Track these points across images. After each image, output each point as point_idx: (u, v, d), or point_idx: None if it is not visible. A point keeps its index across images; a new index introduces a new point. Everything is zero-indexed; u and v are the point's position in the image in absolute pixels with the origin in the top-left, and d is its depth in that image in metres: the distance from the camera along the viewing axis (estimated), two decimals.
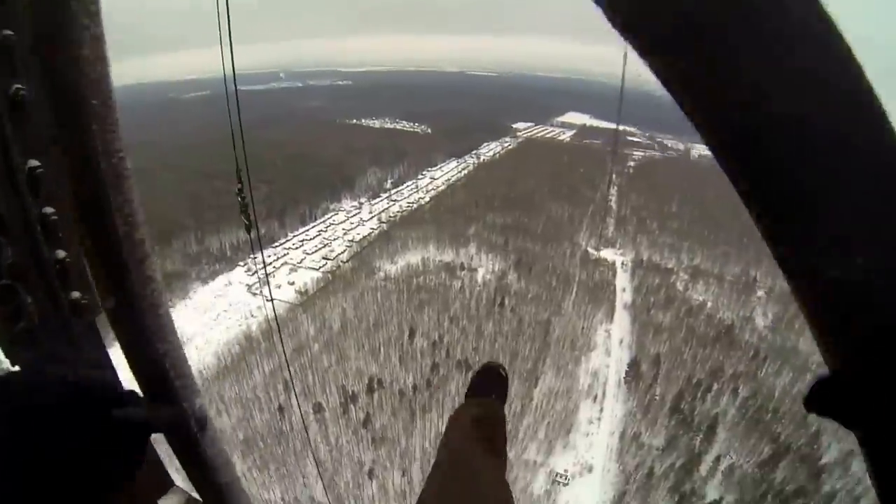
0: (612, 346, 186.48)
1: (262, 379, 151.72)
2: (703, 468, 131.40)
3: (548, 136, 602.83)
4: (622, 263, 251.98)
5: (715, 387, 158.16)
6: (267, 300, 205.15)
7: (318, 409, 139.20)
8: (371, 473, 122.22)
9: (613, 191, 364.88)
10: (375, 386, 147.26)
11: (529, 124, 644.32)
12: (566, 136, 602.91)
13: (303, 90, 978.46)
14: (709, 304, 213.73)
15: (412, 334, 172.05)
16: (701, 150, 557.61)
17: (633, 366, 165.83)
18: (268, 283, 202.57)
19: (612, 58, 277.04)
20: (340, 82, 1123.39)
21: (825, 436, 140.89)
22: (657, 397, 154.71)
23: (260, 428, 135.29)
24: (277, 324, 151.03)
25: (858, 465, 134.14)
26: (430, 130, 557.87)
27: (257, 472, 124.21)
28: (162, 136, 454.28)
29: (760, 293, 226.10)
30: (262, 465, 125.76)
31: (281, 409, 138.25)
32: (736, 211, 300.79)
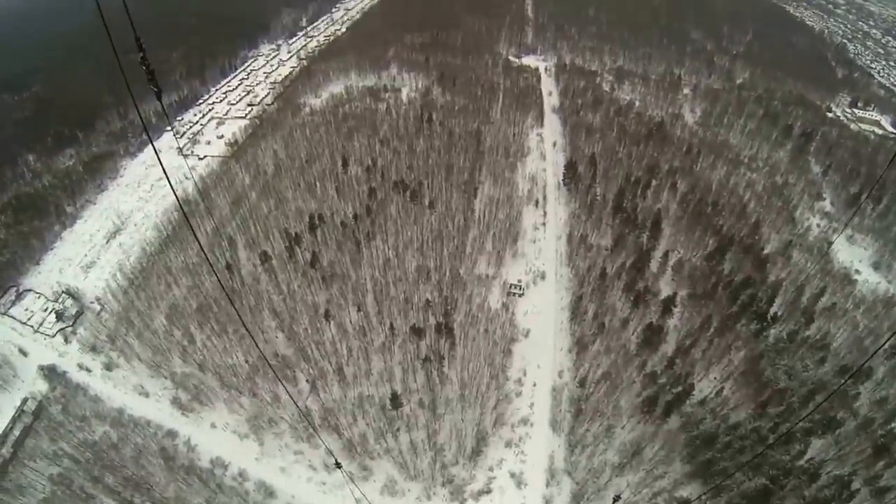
0: (545, 149, 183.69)
1: (206, 240, 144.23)
2: (654, 265, 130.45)
3: None
4: (545, 69, 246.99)
5: (654, 183, 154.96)
6: (199, 158, 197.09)
7: (264, 258, 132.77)
8: (327, 315, 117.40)
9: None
10: (317, 222, 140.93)
11: None
12: None
13: None
14: (637, 103, 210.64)
15: (345, 163, 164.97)
16: None
17: (570, 167, 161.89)
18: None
19: None
20: None
21: (765, 227, 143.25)
22: (598, 197, 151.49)
23: (212, 292, 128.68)
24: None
25: (799, 255, 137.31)
26: None
27: (217, 339, 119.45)
28: (62, 21, 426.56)
29: (686, 91, 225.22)
30: (220, 330, 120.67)
31: (229, 266, 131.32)
32: (655, 13, 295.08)
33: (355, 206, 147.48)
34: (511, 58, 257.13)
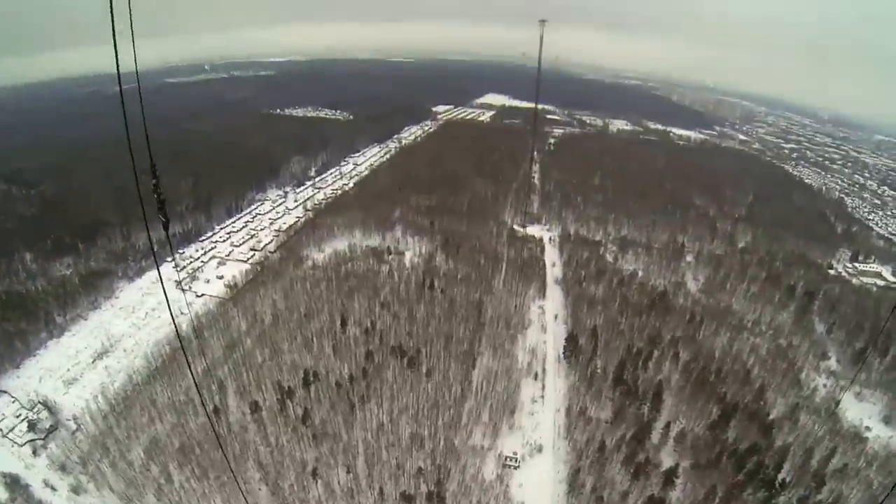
0: (547, 321, 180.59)
1: (196, 379, 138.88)
2: (655, 436, 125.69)
3: (468, 117, 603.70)
4: (550, 238, 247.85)
5: (655, 353, 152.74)
6: (198, 295, 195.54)
7: (254, 408, 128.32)
8: (315, 473, 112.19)
9: (536, 167, 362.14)
10: (311, 379, 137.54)
11: (449, 107, 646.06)
12: (486, 116, 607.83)
13: (228, 81, 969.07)
14: (640, 272, 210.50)
15: (344, 323, 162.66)
16: (619, 124, 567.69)
17: (571, 340, 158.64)
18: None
19: (529, 39, 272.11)
20: (264, 73, 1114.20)
21: (770, 391, 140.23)
22: (599, 370, 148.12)
23: (196, 433, 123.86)
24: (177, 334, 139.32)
25: (806, 417, 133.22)
26: (351, 117, 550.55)
27: (196, 482, 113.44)
28: (86, 132, 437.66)
29: (689, 258, 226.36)
30: (200, 474, 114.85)
31: (217, 410, 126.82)
32: (659, 180, 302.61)
33: (351, 366, 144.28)
34: (516, 227, 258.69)
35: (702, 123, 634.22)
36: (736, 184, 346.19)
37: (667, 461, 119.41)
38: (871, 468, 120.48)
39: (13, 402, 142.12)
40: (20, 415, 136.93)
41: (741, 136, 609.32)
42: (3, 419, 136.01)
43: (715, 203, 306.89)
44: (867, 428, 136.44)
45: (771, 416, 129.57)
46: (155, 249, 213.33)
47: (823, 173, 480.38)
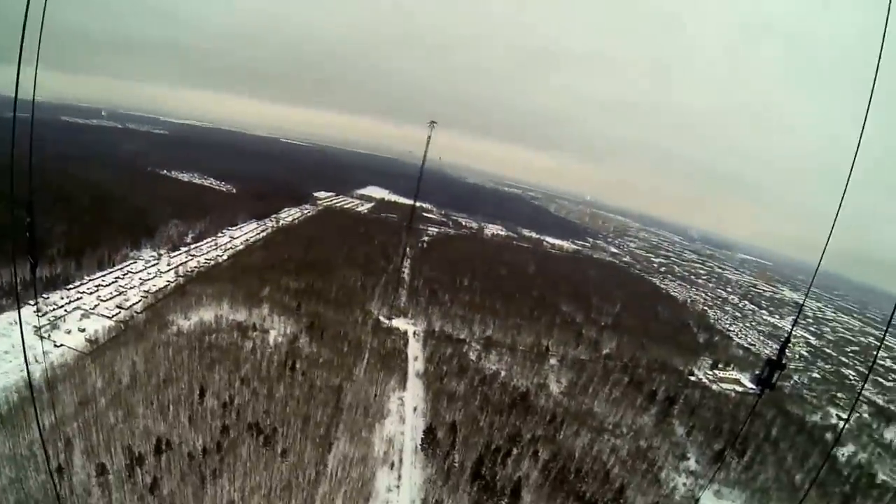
0: (406, 413, 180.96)
1: (41, 434, 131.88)
2: None
3: (347, 206, 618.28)
4: (414, 333, 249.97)
5: (515, 451, 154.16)
6: (56, 345, 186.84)
7: (101, 470, 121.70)
8: None
9: (407, 263, 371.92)
10: (164, 447, 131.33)
11: (330, 194, 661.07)
12: (364, 207, 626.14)
13: (121, 132, 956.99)
14: (503, 372, 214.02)
15: (202, 393, 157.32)
16: (495, 229, 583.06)
17: (429, 432, 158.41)
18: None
19: (417, 138, 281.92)
20: (158, 130, 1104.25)
21: (630, 490, 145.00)
22: (456, 464, 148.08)
23: (34, 491, 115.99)
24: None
25: None
26: (234, 190, 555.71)
27: None
28: None
29: (553, 361, 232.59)
30: None
31: (60, 469, 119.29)
32: (528, 285, 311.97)
33: (206, 439, 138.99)
34: (382, 318, 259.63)
35: (576, 234, 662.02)
36: (604, 293, 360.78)
37: None
38: None
39: None
40: None
41: (613, 249, 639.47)
42: None
43: (582, 311, 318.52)
44: None
45: None
46: (18, 290, 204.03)
47: (689, 287, 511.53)
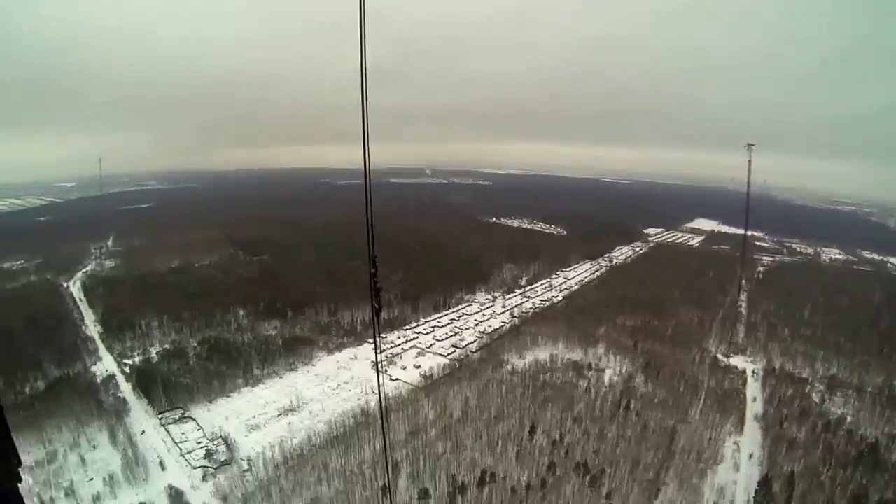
0: (740, 460, 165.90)
1: (371, 455, 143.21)
2: None
3: (677, 241, 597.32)
4: (753, 372, 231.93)
5: None
6: (392, 379, 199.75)
7: (423, 494, 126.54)
8: None
9: (743, 296, 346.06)
10: (487, 479, 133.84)
11: (660, 230, 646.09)
12: (695, 241, 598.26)
13: (446, 186, 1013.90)
14: (848, 418, 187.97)
15: (532, 430, 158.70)
16: (832, 253, 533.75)
17: (764, 484, 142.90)
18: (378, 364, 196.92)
19: (737, 164, 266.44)
20: (482, 182, 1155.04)
21: None
22: None
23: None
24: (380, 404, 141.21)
25: None
26: (565, 232, 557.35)
27: None
28: (312, 215, 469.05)
29: None
30: None
31: (385, 489, 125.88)
32: (874, 317, 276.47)
33: (531, 475, 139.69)
34: (719, 356, 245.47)
35: None
36: None
37: None
38: None
39: (198, 429, 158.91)
40: (201, 442, 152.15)
41: None
42: (185, 441, 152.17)
43: None
44: None
45: None
46: (359, 330, 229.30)
47: None
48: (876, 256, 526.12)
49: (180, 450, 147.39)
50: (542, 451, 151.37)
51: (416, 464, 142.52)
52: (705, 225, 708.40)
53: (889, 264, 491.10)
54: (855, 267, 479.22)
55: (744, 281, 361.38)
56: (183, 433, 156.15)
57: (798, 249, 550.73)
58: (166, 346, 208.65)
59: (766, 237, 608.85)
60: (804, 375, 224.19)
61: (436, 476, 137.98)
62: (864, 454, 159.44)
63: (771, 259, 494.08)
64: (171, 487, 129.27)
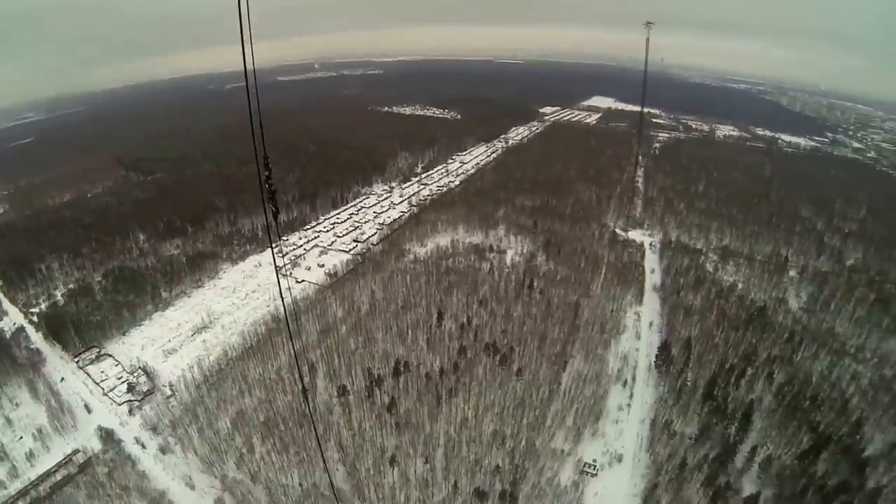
0: (641, 328, 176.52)
1: (288, 360, 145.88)
2: (739, 460, 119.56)
3: (574, 119, 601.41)
4: (650, 244, 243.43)
5: (749, 372, 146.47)
6: (298, 281, 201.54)
7: (342, 391, 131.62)
8: (393, 460, 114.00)
9: (640, 172, 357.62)
10: (402, 369, 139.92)
11: (556, 108, 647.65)
12: (592, 118, 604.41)
13: (336, 79, 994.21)
14: (740, 285, 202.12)
15: (440, 317, 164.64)
16: (726, 130, 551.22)
17: (664, 349, 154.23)
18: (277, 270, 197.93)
19: (635, 43, 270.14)
20: (372, 71, 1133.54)
21: (868, 426, 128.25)
22: (689, 383, 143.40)
23: (282, 410, 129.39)
24: (286, 311, 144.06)
25: None
26: (459, 116, 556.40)
27: (276, 455, 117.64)
28: (203, 124, 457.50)
29: (792, 273, 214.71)
30: (281, 448, 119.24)
31: (304, 391, 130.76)
32: (765, 190, 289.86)
33: (443, 360, 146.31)
34: (618, 231, 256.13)
35: (812, 130, 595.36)
36: (847, 196, 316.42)
37: (748, 488, 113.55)
38: None
39: (116, 365, 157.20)
40: (122, 377, 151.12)
41: (855, 144, 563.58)
42: (105, 379, 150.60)
43: (824, 216, 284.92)
44: None
45: (866, 453, 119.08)
46: (260, 235, 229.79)
47: None
48: (768, 133, 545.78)
49: (102, 389, 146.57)
50: (451, 336, 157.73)
51: (331, 362, 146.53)
52: (602, 103, 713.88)
53: (780, 140, 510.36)
54: (748, 143, 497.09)
55: (640, 157, 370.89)
56: (102, 371, 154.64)
57: (693, 126, 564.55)
58: (70, 285, 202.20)
59: (663, 114, 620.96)
60: (699, 246, 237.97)
61: (352, 372, 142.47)
62: (754, 317, 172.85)
63: (667, 135, 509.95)
64: (100, 429, 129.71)
